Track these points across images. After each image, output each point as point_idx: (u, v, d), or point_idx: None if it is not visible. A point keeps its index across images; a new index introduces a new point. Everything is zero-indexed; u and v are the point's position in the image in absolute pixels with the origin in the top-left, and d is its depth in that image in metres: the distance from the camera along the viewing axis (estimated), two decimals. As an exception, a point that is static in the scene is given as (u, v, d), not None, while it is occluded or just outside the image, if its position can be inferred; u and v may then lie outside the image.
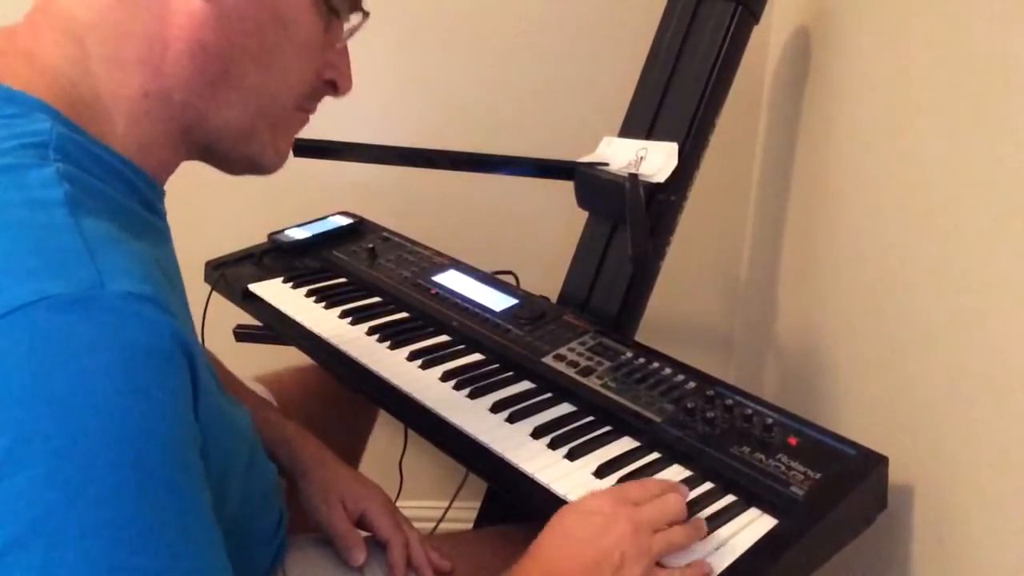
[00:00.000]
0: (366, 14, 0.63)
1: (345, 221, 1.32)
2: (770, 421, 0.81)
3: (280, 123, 0.60)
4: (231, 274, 1.18)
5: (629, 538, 0.62)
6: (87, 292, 0.42)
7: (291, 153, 0.65)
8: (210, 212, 1.48)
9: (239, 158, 0.60)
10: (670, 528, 0.66)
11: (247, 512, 0.63)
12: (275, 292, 1.13)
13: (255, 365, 1.08)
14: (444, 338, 1.01)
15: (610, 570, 0.61)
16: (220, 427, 0.53)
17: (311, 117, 0.65)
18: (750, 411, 0.83)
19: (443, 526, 1.45)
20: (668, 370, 0.92)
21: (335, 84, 0.63)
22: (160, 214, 0.58)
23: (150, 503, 0.42)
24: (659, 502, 0.67)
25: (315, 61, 0.59)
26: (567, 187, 1.11)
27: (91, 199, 0.47)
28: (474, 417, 0.85)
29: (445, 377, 0.92)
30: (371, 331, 1.02)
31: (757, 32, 1.10)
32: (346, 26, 0.62)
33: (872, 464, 0.77)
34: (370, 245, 1.23)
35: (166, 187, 0.60)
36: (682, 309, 1.54)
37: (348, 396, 1.08)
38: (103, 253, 0.44)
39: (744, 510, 0.73)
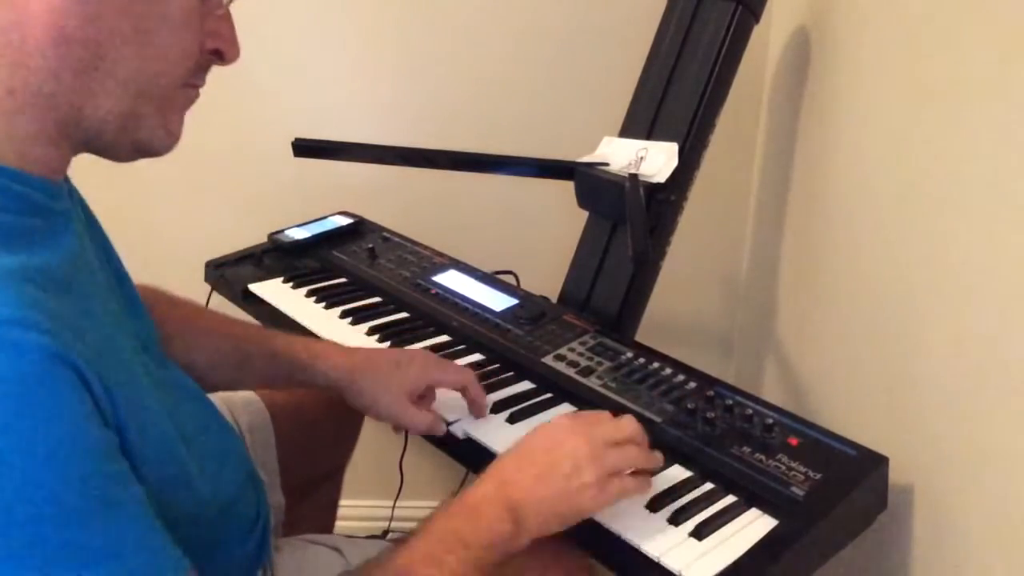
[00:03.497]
0: None
1: (345, 221, 1.32)
2: (770, 421, 0.81)
3: (167, 103, 0.56)
4: (231, 274, 1.18)
5: (582, 448, 0.65)
6: None
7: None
8: (210, 212, 1.48)
9: (126, 145, 0.56)
10: (626, 445, 0.68)
11: (218, 502, 0.64)
12: (275, 292, 1.13)
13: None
14: (444, 338, 1.02)
15: (562, 477, 0.64)
16: (143, 424, 0.52)
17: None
18: (750, 411, 0.83)
19: (443, 526, 1.45)
20: (668, 370, 0.92)
21: (220, 53, 0.58)
22: (50, 213, 0.54)
23: (64, 522, 0.42)
24: (615, 421, 0.70)
25: (195, 33, 0.55)
26: (567, 187, 1.11)
27: None
28: (474, 417, 0.85)
29: (445, 377, 0.92)
30: (371, 331, 1.02)
31: (757, 32, 1.10)
32: None
33: (872, 464, 0.77)
34: (370, 245, 1.23)
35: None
36: (682, 309, 1.54)
37: (337, 411, 1.08)
38: None
39: (744, 510, 0.73)
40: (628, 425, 0.70)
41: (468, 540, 0.61)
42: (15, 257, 0.47)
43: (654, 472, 0.73)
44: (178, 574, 0.48)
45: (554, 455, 0.65)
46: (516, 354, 0.96)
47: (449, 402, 0.85)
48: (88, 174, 0.65)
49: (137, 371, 0.54)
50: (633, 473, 0.69)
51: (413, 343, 0.99)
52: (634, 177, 1.02)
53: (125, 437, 0.49)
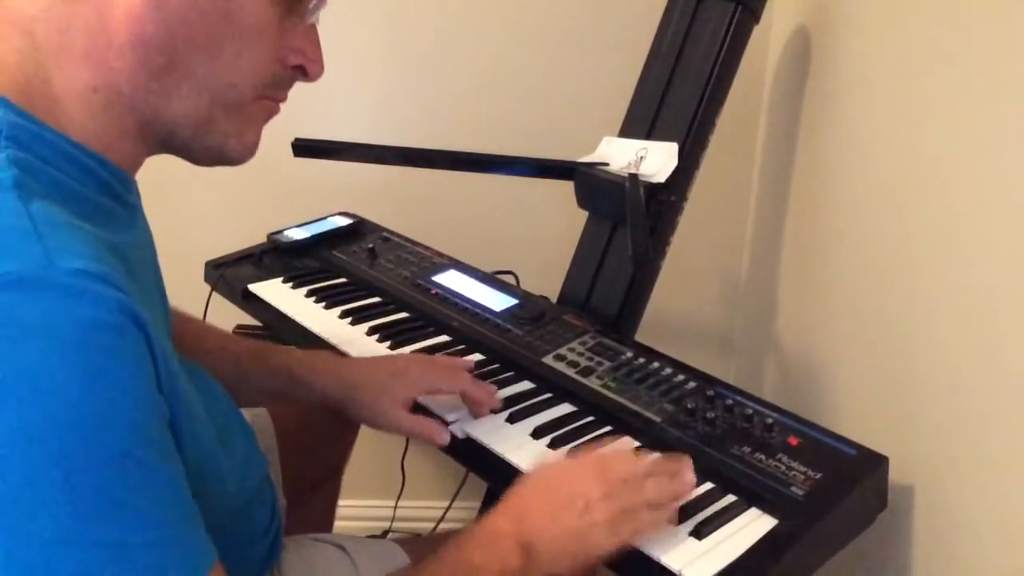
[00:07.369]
0: None
1: (345, 221, 1.32)
2: (770, 421, 0.81)
3: (242, 113, 0.58)
4: (231, 274, 1.18)
5: (595, 487, 0.65)
6: (36, 271, 0.42)
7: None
8: (210, 212, 1.48)
9: (201, 149, 0.58)
10: (641, 482, 0.68)
11: (240, 500, 0.64)
12: (275, 292, 1.13)
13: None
14: (444, 338, 1.01)
15: (574, 515, 0.64)
16: (188, 403, 0.52)
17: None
18: (750, 411, 0.83)
19: (443, 526, 1.45)
20: (668, 370, 0.92)
21: (304, 70, 0.60)
22: (126, 203, 0.57)
23: (114, 478, 0.42)
24: (631, 458, 0.70)
25: (271, 48, 0.57)
26: (567, 187, 1.11)
27: (41, 184, 0.48)
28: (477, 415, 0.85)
29: (445, 377, 0.91)
30: (371, 331, 1.02)
31: (757, 32, 1.10)
32: (310, 5, 0.58)
33: (872, 464, 0.77)
34: (370, 245, 1.23)
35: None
36: (682, 309, 1.54)
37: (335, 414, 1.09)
38: (51, 234, 0.44)
39: (744, 510, 0.73)
40: (646, 460, 0.69)
41: (480, 570, 0.62)
42: (97, 229, 0.50)
43: (683, 500, 0.71)
44: (207, 557, 0.48)
45: (567, 493, 0.65)
46: (516, 354, 0.96)
47: (449, 401, 0.85)
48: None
49: (180, 366, 0.55)
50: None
51: (413, 343, 0.99)
52: (634, 177, 1.02)
53: (173, 418, 0.49)
